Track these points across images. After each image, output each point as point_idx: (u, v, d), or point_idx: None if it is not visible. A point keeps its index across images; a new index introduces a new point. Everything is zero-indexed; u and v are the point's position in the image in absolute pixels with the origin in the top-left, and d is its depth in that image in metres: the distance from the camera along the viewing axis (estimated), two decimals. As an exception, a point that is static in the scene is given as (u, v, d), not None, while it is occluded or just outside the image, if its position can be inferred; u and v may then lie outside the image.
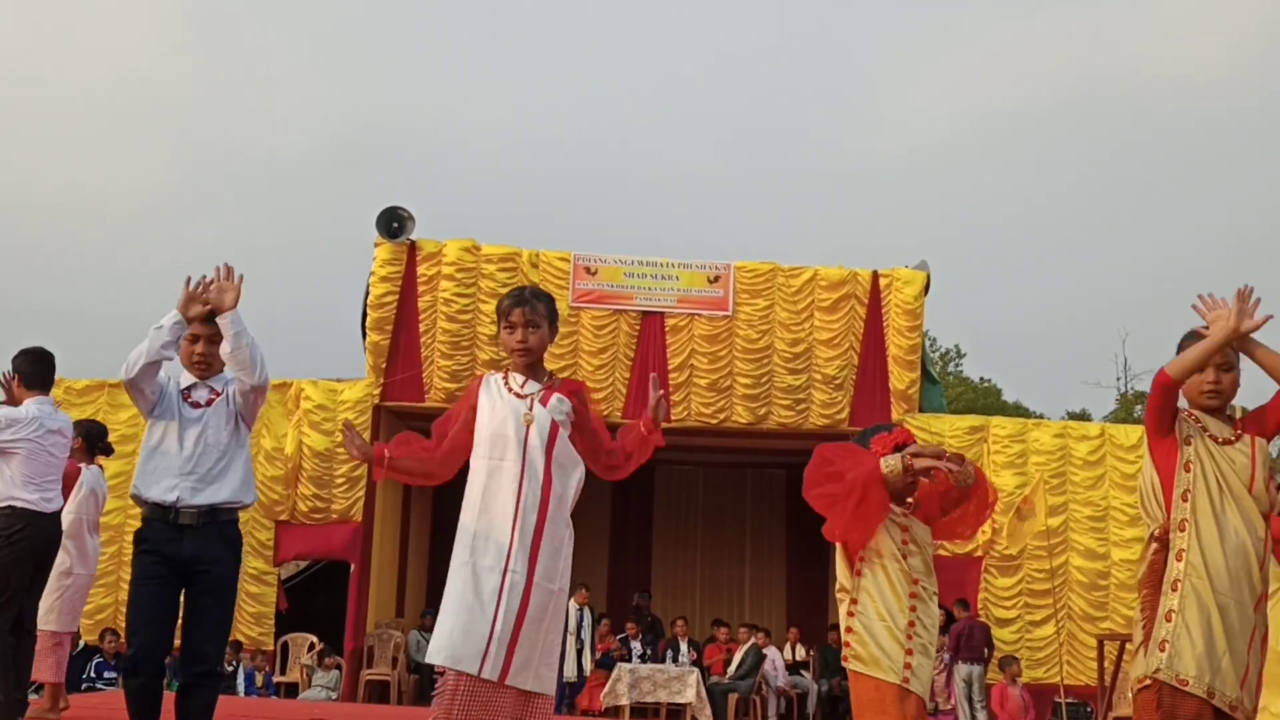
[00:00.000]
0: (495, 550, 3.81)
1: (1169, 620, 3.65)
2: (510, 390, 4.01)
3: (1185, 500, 3.77)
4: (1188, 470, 3.78)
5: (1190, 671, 3.57)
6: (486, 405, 4.00)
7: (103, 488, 7.26)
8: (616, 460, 4.09)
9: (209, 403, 4.49)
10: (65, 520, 6.35)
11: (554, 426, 3.94)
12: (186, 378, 4.56)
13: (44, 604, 6.70)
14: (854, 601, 3.89)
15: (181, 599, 4.40)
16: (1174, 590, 3.68)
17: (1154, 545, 3.82)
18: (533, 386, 4.01)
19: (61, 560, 6.88)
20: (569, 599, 12.67)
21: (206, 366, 4.53)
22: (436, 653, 3.77)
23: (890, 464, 3.84)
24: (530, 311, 4.01)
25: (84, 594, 7.22)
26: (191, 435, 4.40)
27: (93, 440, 7.09)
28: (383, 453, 4.01)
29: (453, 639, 3.75)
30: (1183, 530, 3.73)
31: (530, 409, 3.95)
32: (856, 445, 4.11)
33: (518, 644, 3.77)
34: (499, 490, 3.88)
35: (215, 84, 59.21)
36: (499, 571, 3.79)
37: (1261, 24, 54.98)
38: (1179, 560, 3.70)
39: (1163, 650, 3.62)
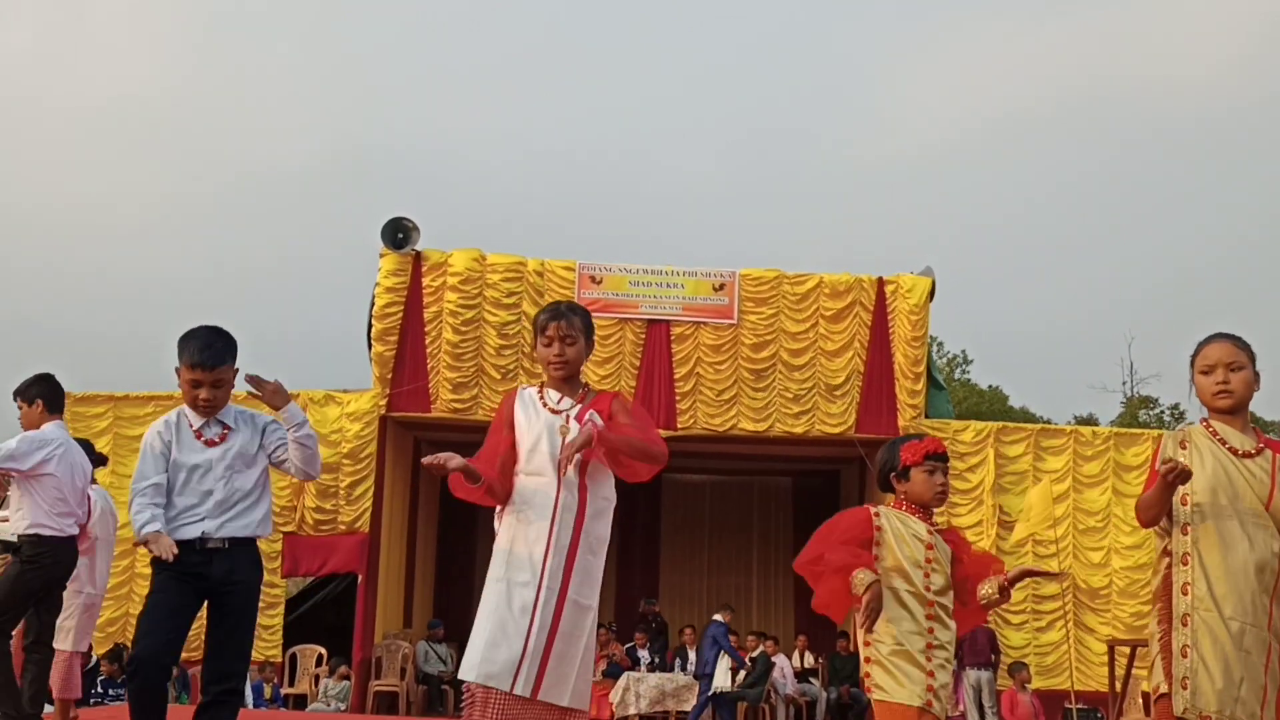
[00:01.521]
0: (530, 566, 3.80)
1: (1185, 656, 3.65)
2: (545, 406, 3.98)
3: (1185, 534, 3.73)
4: (1184, 504, 3.74)
5: (1212, 707, 3.60)
6: (523, 420, 3.98)
7: (110, 504, 7.28)
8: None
9: (222, 438, 4.38)
10: (82, 544, 6.40)
11: None
12: (194, 416, 4.42)
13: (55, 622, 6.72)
14: (869, 630, 3.78)
15: (203, 613, 4.38)
16: (1185, 625, 3.67)
17: (1166, 560, 3.80)
18: (567, 403, 3.98)
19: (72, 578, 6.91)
20: (718, 614, 12.81)
21: (212, 409, 4.40)
22: (469, 669, 3.76)
23: (860, 579, 3.68)
24: (567, 325, 3.98)
25: (95, 612, 7.24)
26: (210, 477, 4.32)
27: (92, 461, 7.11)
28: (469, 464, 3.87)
29: (484, 655, 3.73)
30: (1185, 564, 3.71)
31: (567, 424, 3.92)
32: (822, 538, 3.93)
33: (550, 659, 3.75)
34: (535, 506, 3.86)
35: (221, 99, 59.41)
36: (533, 587, 3.77)
37: (1263, 25, 54.98)
38: (1185, 594, 3.69)
39: (1185, 688, 3.64)
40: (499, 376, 13.53)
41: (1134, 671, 10.00)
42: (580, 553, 3.85)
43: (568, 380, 4.02)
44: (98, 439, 11.37)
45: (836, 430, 13.89)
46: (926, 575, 3.79)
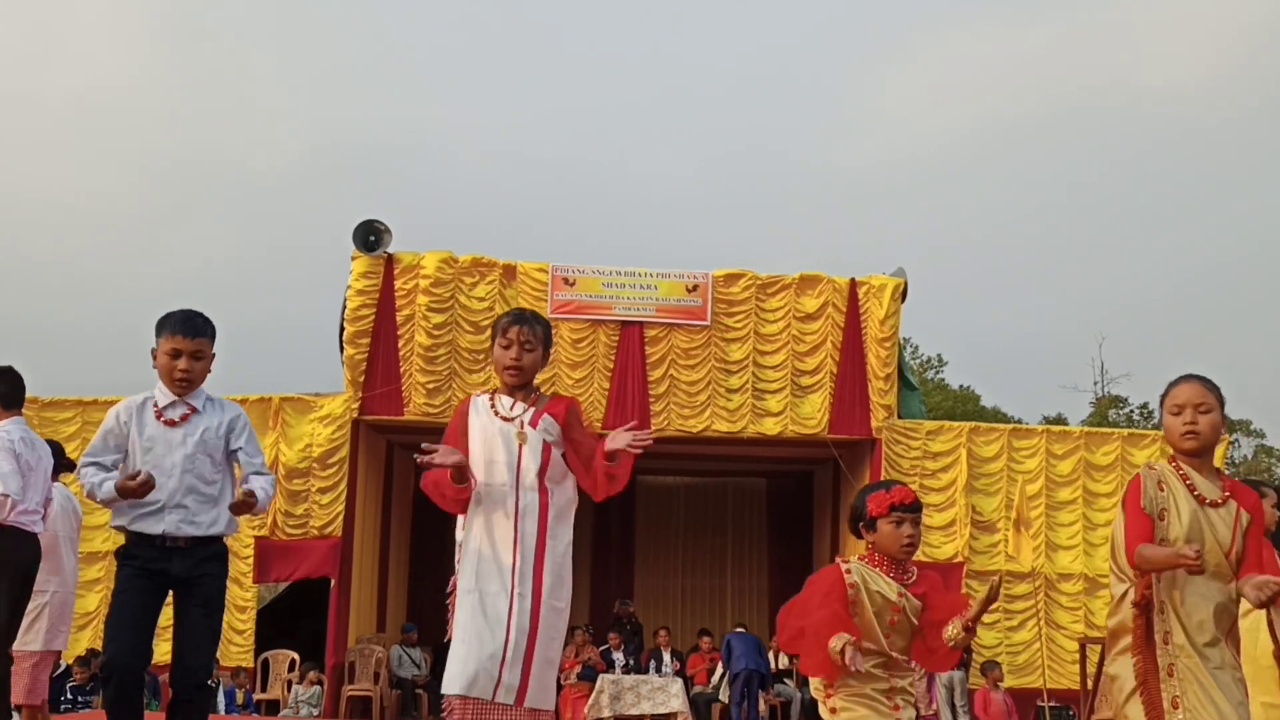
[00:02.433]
0: (498, 574, 3.79)
1: (1176, 708, 3.67)
2: (498, 414, 3.97)
3: (1159, 580, 3.73)
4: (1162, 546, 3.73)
5: None
6: (477, 428, 3.96)
7: (74, 504, 7.19)
8: (597, 483, 3.98)
9: (184, 419, 4.30)
10: (43, 540, 6.28)
11: (546, 448, 3.93)
12: (163, 394, 4.35)
13: (23, 625, 6.62)
14: (829, 685, 3.71)
15: (167, 610, 4.33)
16: (1170, 675, 3.69)
17: (1133, 611, 3.75)
18: (520, 408, 3.97)
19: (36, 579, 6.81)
20: (739, 628, 12.72)
21: (188, 384, 4.32)
22: (451, 682, 3.75)
23: (834, 645, 3.55)
24: (529, 332, 3.98)
25: (64, 611, 7.13)
26: (168, 460, 4.24)
27: (55, 460, 7.00)
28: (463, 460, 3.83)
29: (464, 667, 3.73)
30: (1163, 613, 3.73)
31: (521, 430, 3.91)
32: (806, 597, 3.82)
33: (533, 665, 3.75)
34: (497, 514, 3.85)
35: (193, 96, 59.01)
36: (505, 594, 3.77)
37: (1239, 42, 55.56)
38: (1166, 644, 3.71)
39: None
40: (472, 380, 13.48)
41: (1105, 670, 10.07)
42: (548, 555, 3.85)
43: (520, 387, 4.01)
44: (66, 444, 11.24)
45: (810, 431, 13.91)
46: (888, 636, 3.73)
